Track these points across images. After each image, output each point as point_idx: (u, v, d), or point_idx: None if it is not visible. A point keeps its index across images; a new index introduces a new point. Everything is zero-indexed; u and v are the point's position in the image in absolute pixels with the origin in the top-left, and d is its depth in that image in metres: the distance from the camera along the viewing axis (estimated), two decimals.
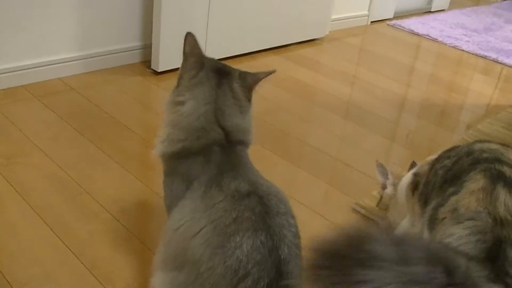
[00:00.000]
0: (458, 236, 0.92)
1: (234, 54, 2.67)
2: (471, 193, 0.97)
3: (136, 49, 2.40)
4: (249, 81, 1.15)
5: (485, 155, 1.06)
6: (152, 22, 2.25)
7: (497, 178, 0.97)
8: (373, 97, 2.49)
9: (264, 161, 1.81)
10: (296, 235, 1.01)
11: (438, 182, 1.11)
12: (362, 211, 1.57)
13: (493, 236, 0.89)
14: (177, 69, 2.38)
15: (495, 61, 3.31)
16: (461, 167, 1.07)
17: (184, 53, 1.13)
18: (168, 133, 1.11)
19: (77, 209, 1.42)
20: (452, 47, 3.49)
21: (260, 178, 1.05)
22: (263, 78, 1.16)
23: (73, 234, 1.33)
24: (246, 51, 2.75)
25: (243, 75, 1.14)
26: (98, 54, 2.26)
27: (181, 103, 1.10)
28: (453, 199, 0.99)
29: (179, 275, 0.98)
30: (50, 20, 2.05)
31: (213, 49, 2.48)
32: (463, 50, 3.44)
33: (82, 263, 1.24)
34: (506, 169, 0.99)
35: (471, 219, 0.93)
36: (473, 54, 3.40)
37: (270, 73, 1.16)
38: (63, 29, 2.11)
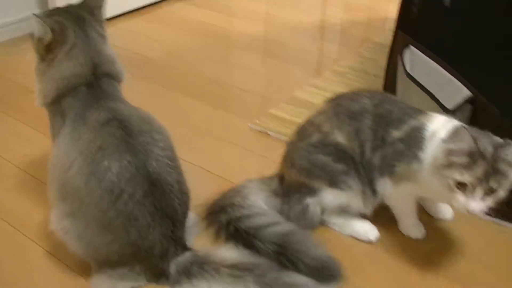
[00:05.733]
0: None
1: (140, 6, 2.72)
2: None
3: None
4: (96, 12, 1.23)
5: None
6: None
7: None
8: (288, 31, 2.57)
9: (173, 101, 1.92)
10: (165, 148, 1.14)
11: None
12: (258, 128, 1.72)
13: None
14: None
15: None
16: None
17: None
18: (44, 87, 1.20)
19: None
20: None
21: (122, 105, 1.16)
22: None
23: None
24: (152, 1, 2.80)
25: (90, 9, 1.22)
26: None
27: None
28: None
29: (66, 205, 1.10)
30: None
31: (116, 4, 2.53)
32: None
33: None
34: None
35: None
36: None
37: None
38: None
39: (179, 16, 2.72)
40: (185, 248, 1.17)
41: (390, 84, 1.77)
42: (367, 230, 1.29)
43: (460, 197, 1.03)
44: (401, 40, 1.64)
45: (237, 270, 1.11)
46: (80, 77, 1.16)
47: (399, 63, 1.62)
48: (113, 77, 1.23)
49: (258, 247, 1.17)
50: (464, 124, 1.08)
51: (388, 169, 1.19)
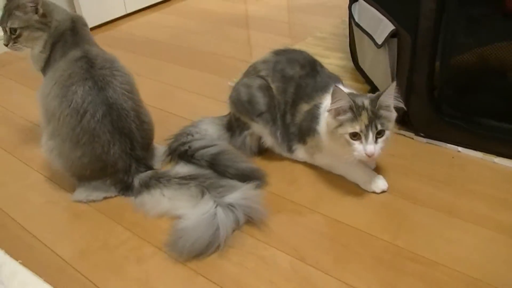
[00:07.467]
0: None
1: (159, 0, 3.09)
2: None
3: None
4: None
5: None
6: None
7: None
8: (267, 7, 2.88)
9: (167, 69, 2.22)
10: (123, 83, 1.42)
11: None
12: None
13: None
14: (101, 24, 2.79)
15: None
16: None
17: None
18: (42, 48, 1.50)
19: None
20: None
21: (94, 47, 1.48)
22: None
23: None
24: None
25: None
26: None
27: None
28: None
29: (49, 127, 1.41)
30: None
31: (132, 0, 2.89)
32: None
33: None
34: None
35: None
36: None
37: None
38: None
39: (191, 7, 3.05)
40: (149, 168, 1.45)
41: (351, 37, 1.96)
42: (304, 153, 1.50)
43: (358, 146, 1.23)
44: None
45: (184, 179, 1.37)
46: (65, 22, 1.49)
47: (350, 16, 1.82)
48: (84, 23, 1.55)
49: (196, 164, 1.45)
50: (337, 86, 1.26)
51: (302, 140, 1.44)
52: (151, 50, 2.47)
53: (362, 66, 1.90)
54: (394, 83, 1.22)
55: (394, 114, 1.27)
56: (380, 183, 1.35)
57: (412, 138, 1.56)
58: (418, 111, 1.51)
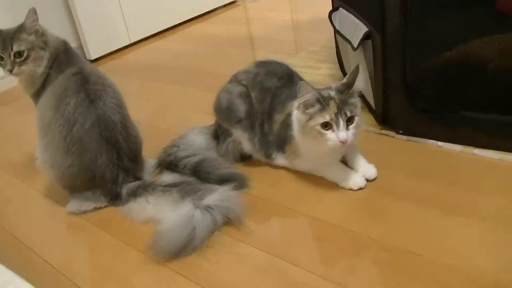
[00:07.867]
0: None
1: (164, 28, 3.22)
2: None
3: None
4: None
5: None
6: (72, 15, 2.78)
7: None
8: (271, 28, 2.97)
9: (165, 90, 2.31)
10: (113, 97, 1.50)
11: None
12: None
13: None
14: (107, 54, 2.92)
15: None
16: None
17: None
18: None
19: None
20: None
21: (88, 65, 1.57)
22: None
23: None
24: (176, 23, 3.28)
25: None
26: None
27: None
28: None
29: (45, 139, 1.49)
30: None
31: (135, 30, 3.01)
32: None
33: None
34: None
35: None
36: None
37: None
38: None
39: (195, 33, 3.16)
40: (137, 179, 1.51)
41: (337, 46, 2.01)
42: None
43: (330, 135, 1.27)
44: (334, 4, 1.90)
45: (168, 186, 1.43)
46: (59, 43, 1.58)
47: (332, 25, 1.87)
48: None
49: (180, 173, 1.52)
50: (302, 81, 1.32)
51: (281, 149, 1.48)
52: (154, 74, 2.56)
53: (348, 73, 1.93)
54: (358, 66, 1.28)
55: (358, 99, 1.32)
56: (357, 180, 1.37)
57: (394, 137, 1.57)
58: (396, 109, 1.53)
